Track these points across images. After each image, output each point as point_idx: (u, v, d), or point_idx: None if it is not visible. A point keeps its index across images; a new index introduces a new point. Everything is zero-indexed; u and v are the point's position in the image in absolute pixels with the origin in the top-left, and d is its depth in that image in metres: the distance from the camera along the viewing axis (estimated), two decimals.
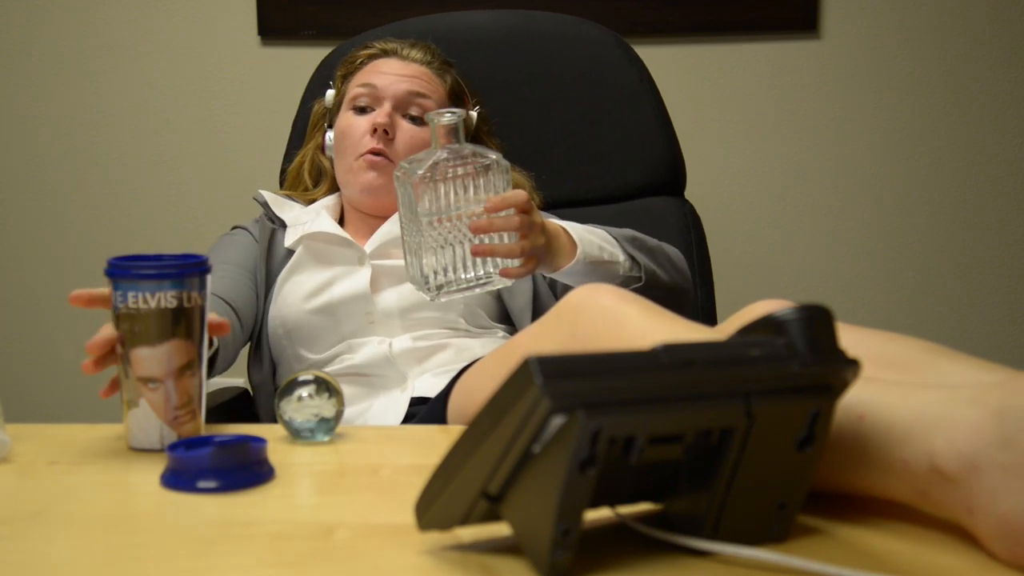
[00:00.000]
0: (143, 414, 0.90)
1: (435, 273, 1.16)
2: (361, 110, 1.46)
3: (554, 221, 1.26)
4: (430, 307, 1.37)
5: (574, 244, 1.23)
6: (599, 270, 1.25)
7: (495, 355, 1.07)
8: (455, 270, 1.16)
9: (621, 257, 1.28)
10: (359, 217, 1.49)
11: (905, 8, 2.02)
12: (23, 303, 2.18)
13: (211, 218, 2.09)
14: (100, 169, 2.14)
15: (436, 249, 1.16)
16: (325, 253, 1.42)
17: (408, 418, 1.28)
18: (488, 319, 1.41)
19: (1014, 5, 2.00)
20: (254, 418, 1.43)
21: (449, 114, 1.16)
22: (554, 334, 0.92)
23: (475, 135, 1.53)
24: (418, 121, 1.46)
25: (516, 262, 1.16)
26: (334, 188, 1.55)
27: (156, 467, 0.84)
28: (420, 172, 1.14)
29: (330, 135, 1.51)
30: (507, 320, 1.44)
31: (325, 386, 0.92)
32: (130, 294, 0.88)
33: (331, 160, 1.52)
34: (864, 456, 0.67)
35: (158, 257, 0.91)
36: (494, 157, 1.16)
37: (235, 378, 1.60)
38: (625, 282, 1.28)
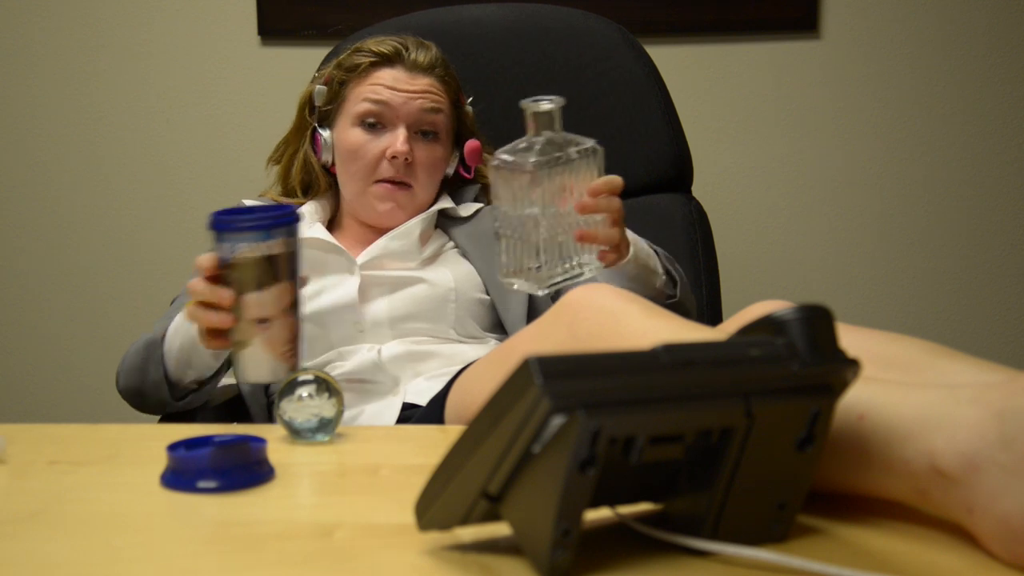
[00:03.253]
0: (256, 351, 1.00)
1: (546, 263, 1.11)
2: (371, 126, 1.42)
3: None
4: (420, 317, 1.37)
5: (627, 241, 1.20)
6: (641, 276, 1.24)
7: (493, 355, 1.07)
8: (561, 260, 1.12)
9: (660, 269, 1.29)
10: (356, 225, 1.48)
11: (905, 8, 2.01)
12: (23, 303, 2.17)
13: None
14: (100, 169, 2.14)
15: (545, 240, 1.11)
16: (316, 261, 1.39)
17: (401, 422, 1.28)
18: (479, 329, 1.41)
19: (1014, 5, 2.00)
20: (251, 418, 1.43)
21: (547, 102, 1.11)
22: (553, 334, 0.91)
23: (461, 131, 1.50)
24: (430, 136, 1.43)
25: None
26: (324, 193, 1.52)
27: (156, 467, 0.84)
28: (532, 161, 1.08)
29: (325, 135, 1.47)
30: (498, 330, 1.43)
31: (325, 386, 0.92)
32: (240, 245, 0.97)
33: (324, 165, 1.49)
34: (864, 456, 0.67)
35: (249, 210, 1.02)
36: (591, 144, 1.13)
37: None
38: (657, 296, 1.27)
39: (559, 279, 1.14)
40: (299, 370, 0.99)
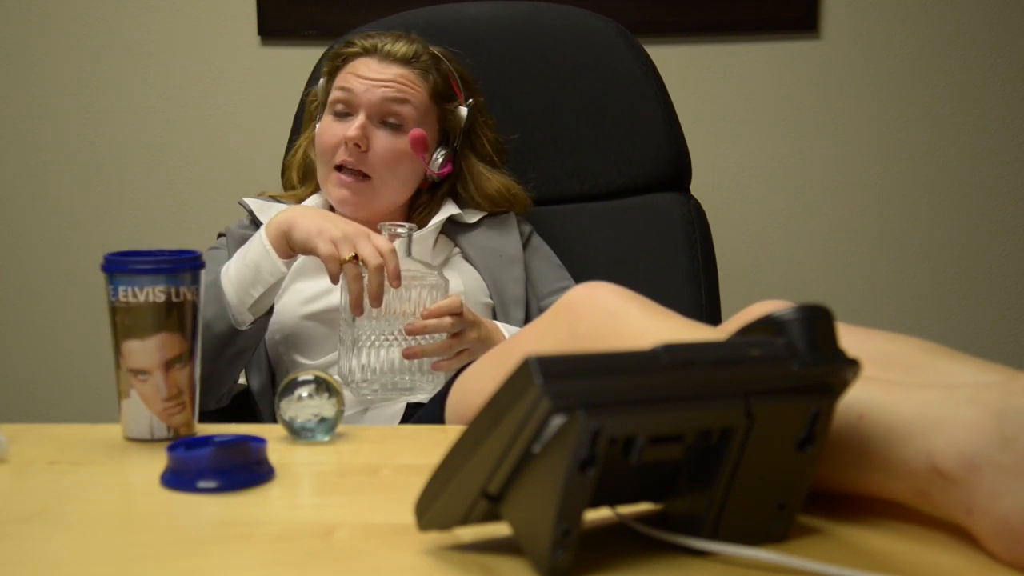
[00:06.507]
0: (134, 405, 0.93)
1: (362, 369, 1.24)
2: (339, 115, 1.43)
3: (496, 323, 1.34)
4: None
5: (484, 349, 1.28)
6: None
7: (493, 355, 1.07)
8: (384, 371, 1.25)
9: None
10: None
11: (905, 8, 2.01)
12: (23, 303, 2.17)
13: (211, 218, 2.09)
14: (100, 169, 2.14)
15: (368, 348, 1.24)
16: None
17: (405, 420, 1.28)
18: None
19: (1014, 5, 2.00)
20: (254, 418, 1.43)
21: (400, 228, 1.26)
22: (553, 333, 0.91)
23: (468, 128, 1.50)
24: (394, 127, 1.42)
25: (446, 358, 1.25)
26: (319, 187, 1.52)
27: (156, 467, 0.84)
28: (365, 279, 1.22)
29: (318, 127, 1.48)
30: None
31: (325, 386, 0.92)
32: (121, 288, 0.91)
33: None
34: (864, 456, 0.67)
35: (153, 253, 0.95)
36: (435, 274, 1.26)
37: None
38: None
39: (376, 388, 1.26)
40: (192, 430, 0.94)
